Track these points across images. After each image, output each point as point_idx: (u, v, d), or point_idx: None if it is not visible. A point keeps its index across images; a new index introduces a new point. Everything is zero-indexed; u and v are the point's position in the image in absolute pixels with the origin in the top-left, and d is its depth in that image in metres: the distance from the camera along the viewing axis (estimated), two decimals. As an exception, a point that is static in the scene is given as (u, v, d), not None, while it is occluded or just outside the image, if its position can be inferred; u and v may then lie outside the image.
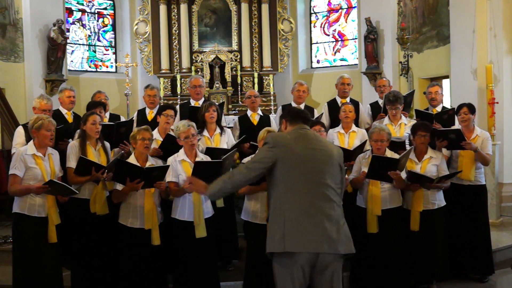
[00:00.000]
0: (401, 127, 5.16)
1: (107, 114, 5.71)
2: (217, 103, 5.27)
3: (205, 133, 4.94)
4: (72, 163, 4.17)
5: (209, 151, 4.59)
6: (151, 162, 4.20)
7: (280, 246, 2.80)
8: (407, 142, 5.00)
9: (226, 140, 5.02)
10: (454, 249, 4.81)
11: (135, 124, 5.48)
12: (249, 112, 5.75)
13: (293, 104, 5.83)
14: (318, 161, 2.95)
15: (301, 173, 2.90)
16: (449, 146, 4.69)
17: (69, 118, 5.32)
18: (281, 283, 2.90)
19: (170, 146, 4.45)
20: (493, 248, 5.00)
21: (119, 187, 4.04)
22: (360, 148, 4.78)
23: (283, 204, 2.89)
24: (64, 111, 5.30)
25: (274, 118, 6.10)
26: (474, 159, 4.71)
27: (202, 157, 4.27)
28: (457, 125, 5.26)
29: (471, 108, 4.84)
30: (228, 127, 5.45)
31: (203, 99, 5.82)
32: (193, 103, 5.67)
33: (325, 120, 5.75)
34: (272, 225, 2.93)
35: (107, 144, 4.51)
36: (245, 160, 4.22)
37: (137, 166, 3.95)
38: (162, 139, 4.75)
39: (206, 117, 4.91)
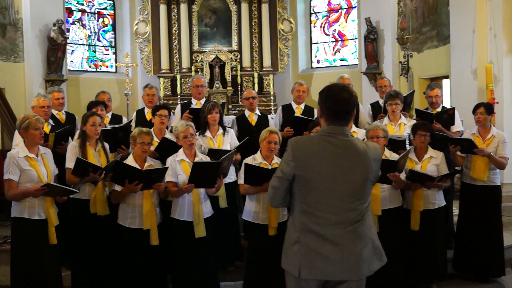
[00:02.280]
0: (401, 127, 5.15)
1: (109, 115, 5.71)
2: (218, 104, 5.25)
3: (208, 133, 4.93)
4: (71, 163, 4.14)
5: (211, 152, 4.58)
6: (150, 162, 4.19)
7: (295, 270, 2.55)
8: (407, 142, 4.99)
9: (229, 140, 5.00)
10: (465, 249, 4.82)
11: (134, 124, 5.47)
12: (246, 112, 5.73)
13: (293, 105, 5.81)
14: (343, 182, 2.49)
15: (321, 197, 2.49)
16: (463, 151, 4.74)
17: (61, 118, 5.32)
18: None
19: (165, 149, 4.44)
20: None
21: (118, 188, 4.03)
22: None
23: (299, 225, 2.56)
24: (54, 112, 5.25)
25: (272, 118, 6.08)
26: (487, 160, 4.69)
27: (201, 157, 4.27)
28: (457, 125, 5.27)
29: (488, 108, 4.82)
30: (228, 127, 5.44)
31: (204, 98, 5.82)
32: (194, 102, 5.67)
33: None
34: (288, 241, 2.63)
35: (107, 145, 4.50)
36: (247, 160, 4.22)
37: (136, 168, 3.93)
38: (157, 140, 4.73)
39: (209, 119, 4.89)
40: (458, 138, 4.78)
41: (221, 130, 4.99)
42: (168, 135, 4.81)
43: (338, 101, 2.52)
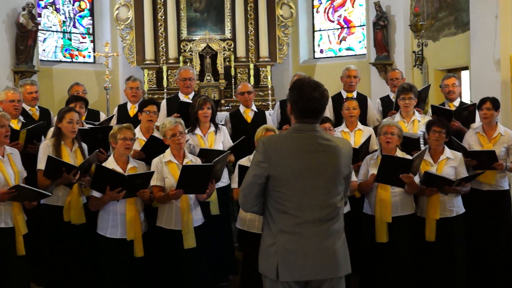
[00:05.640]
0: (414, 124, 5.16)
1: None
2: (212, 99, 5.25)
3: (198, 131, 4.93)
4: (43, 164, 4.13)
5: (202, 152, 4.57)
6: (133, 164, 4.18)
7: (273, 273, 2.77)
8: (421, 141, 5.00)
9: (222, 139, 5.01)
10: (472, 261, 4.82)
11: (115, 121, 5.47)
12: (241, 108, 5.74)
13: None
14: (317, 178, 2.76)
15: (296, 195, 2.75)
16: (478, 167, 4.68)
17: (34, 114, 5.30)
18: None
19: (153, 149, 4.42)
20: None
21: (97, 193, 4.01)
22: (366, 145, 4.78)
23: (274, 224, 2.80)
24: (27, 107, 5.23)
25: (270, 114, 6.08)
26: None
27: (191, 159, 4.27)
28: (477, 122, 5.29)
29: (494, 103, 4.85)
30: (221, 125, 5.44)
31: (193, 93, 5.82)
32: (182, 97, 5.67)
33: (329, 116, 5.76)
34: (264, 243, 2.86)
35: (85, 145, 4.48)
36: (241, 161, 4.22)
37: (118, 173, 3.92)
38: (145, 139, 4.72)
39: (199, 115, 4.89)
40: (479, 151, 4.74)
41: (213, 128, 5.00)
42: (156, 134, 4.80)
43: (311, 100, 2.79)
